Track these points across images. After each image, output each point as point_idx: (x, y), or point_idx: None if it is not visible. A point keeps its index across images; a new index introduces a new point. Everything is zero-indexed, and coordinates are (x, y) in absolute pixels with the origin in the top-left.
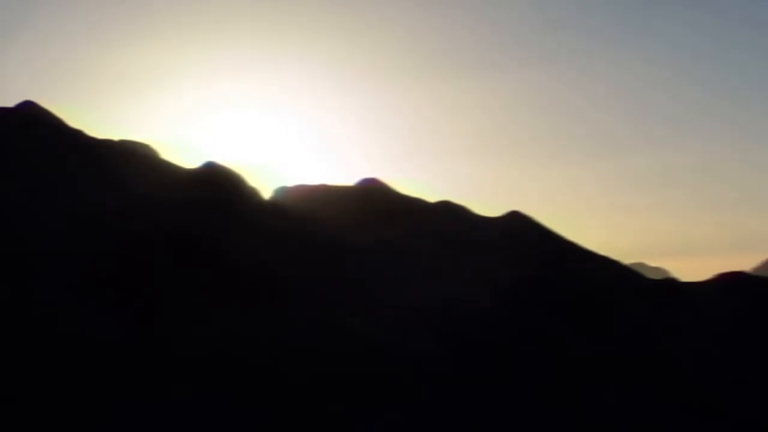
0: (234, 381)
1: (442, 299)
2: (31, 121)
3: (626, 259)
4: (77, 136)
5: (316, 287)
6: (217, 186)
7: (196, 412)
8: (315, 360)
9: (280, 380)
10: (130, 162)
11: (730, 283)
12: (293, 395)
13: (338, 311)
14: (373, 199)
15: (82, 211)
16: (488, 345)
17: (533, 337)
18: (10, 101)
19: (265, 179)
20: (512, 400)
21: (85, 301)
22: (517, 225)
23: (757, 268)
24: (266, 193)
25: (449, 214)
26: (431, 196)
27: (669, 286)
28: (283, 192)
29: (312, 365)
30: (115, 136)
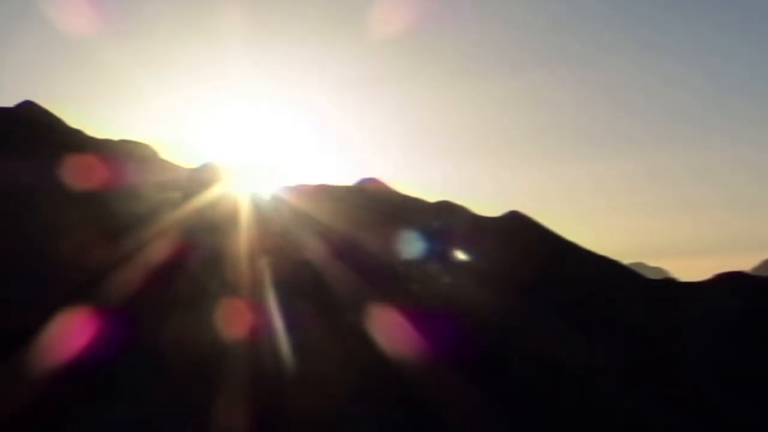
0: (234, 381)
1: (441, 299)
2: (31, 121)
3: (626, 259)
4: (77, 135)
5: (317, 287)
6: (216, 186)
7: (192, 411)
8: (317, 360)
9: (281, 380)
10: (129, 162)
11: (729, 283)
12: (294, 395)
13: (339, 311)
14: (373, 199)
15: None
16: (486, 344)
17: (532, 337)
18: (10, 101)
19: (265, 179)
20: (511, 400)
21: (84, 302)
22: (517, 225)
23: (757, 268)
24: (266, 192)
25: (449, 214)
26: (431, 196)
27: (668, 286)
28: (283, 192)
29: (314, 365)
30: (115, 136)
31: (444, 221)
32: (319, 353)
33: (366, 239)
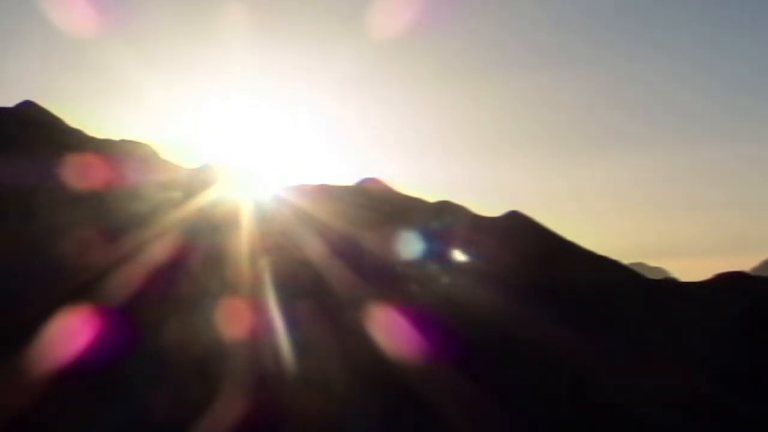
0: (234, 380)
1: (440, 299)
2: (31, 121)
3: (626, 259)
4: (77, 135)
5: (317, 287)
6: (216, 186)
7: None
8: (317, 360)
9: (281, 380)
10: (129, 162)
11: (729, 283)
12: (294, 395)
13: (339, 311)
14: (373, 199)
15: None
16: (486, 345)
17: (532, 337)
18: (10, 101)
19: (266, 179)
20: (511, 400)
21: (84, 302)
22: (517, 225)
23: (757, 268)
24: (266, 192)
25: (449, 214)
26: (431, 196)
27: (668, 286)
28: (283, 192)
29: (314, 365)
30: (115, 136)
31: (444, 221)
32: (320, 353)
33: (366, 239)
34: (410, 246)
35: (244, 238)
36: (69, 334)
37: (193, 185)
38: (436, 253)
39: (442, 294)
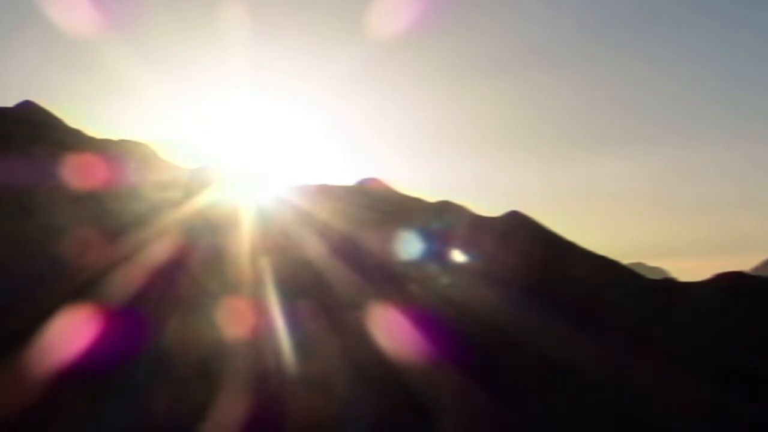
0: (235, 380)
1: (440, 300)
2: (31, 121)
3: (625, 259)
4: (77, 135)
5: (317, 287)
6: (216, 186)
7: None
8: (317, 359)
9: (281, 379)
10: (129, 162)
11: (729, 283)
12: (294, 394)
13: (339, 311)
14: (373, 199)
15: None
16: (486, 344)
17: (532, 337)
18: (10, 101)
19: (266, 179)
20: (510, 399)
21: (85, 302)
22: (517, 225)
23: (757, 268)
24: (267, 192)
25: (449, 214)
26: (431, 196)
27: (668, 286)
28: (283, 191)
29: (314, 365)
30: (115, 136)
31: (444, 221)
32: (320, 352)
33: (366, 239)
34: (410, 246)
35: (244, 238)
36: (69, 334)
37: (193, 185)
38: (436, 253)
39: (442, 294)
